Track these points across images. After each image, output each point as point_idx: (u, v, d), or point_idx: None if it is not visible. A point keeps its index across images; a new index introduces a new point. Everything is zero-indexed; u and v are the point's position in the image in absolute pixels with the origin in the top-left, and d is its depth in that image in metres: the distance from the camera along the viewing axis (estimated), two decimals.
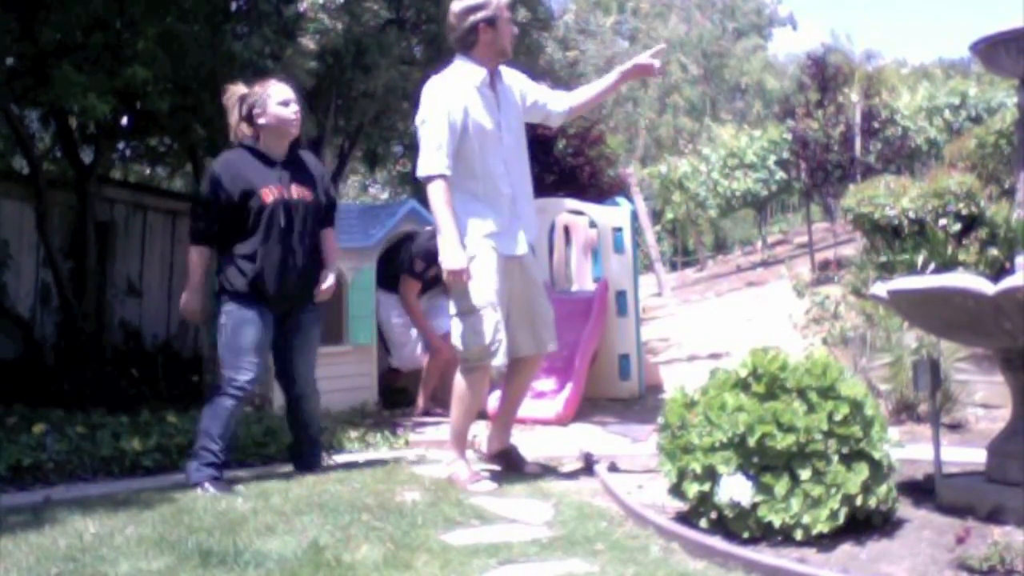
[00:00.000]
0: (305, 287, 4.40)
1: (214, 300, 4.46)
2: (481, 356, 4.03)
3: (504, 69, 4.31)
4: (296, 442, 4.61)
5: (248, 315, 4.24)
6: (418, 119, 4.13)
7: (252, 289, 4.24)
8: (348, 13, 6.72)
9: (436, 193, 4.00)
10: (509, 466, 4.34)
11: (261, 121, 4.36)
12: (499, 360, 4.03)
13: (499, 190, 4.13)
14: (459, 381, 4.15)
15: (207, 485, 3.98)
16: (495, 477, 4.18)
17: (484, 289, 4.02)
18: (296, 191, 4.34)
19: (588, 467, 4.34)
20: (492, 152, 4.12)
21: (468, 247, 4.04)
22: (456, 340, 4.10)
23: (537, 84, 4.47)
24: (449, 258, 3.97)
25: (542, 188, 7.60)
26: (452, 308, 4.12)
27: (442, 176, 4.01)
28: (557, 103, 4.40)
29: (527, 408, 6.35)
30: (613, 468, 4.25)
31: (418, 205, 7.46)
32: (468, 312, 4.03)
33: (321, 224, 4.46)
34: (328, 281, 4.44)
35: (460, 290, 4.03)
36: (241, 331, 4.22)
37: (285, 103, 4.37)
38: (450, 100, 4.07)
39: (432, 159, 4.02)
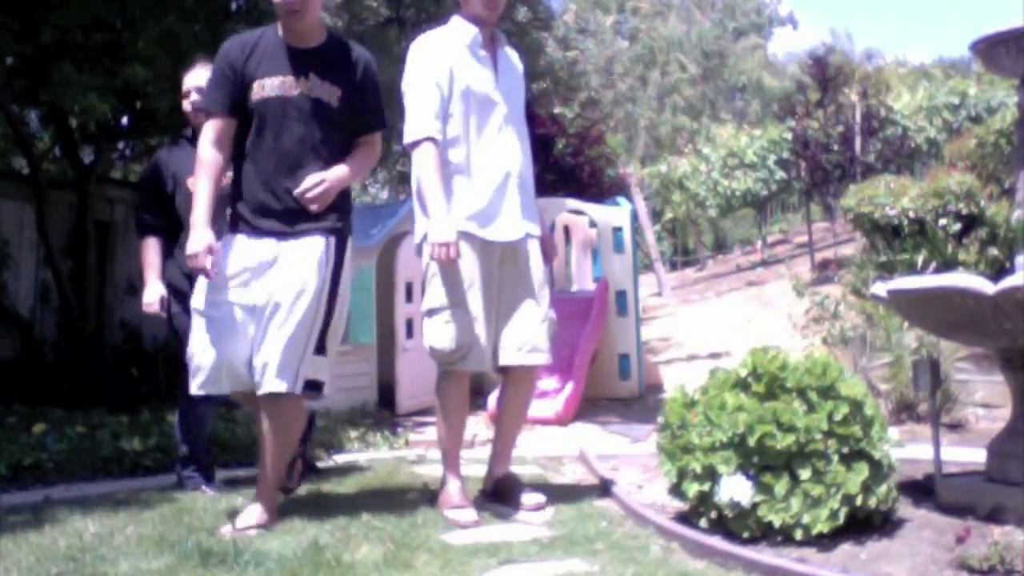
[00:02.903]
0: None
1: None
2: (449, 361, 3.47)
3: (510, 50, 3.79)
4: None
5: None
6: (403, 83, 3.61)
7: None
8: (348, 11, 6.73)
9: (422, 158, 3.44)
10: (502, 501, 3.59)
11: None
12: (470, 366, 3.45)
13: (492, 162, 3.53)
14: (437, 389, 3.65)
15: (187, 484, 4.02)
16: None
17: (452, 283, 3.44)
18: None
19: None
20: (485, 117, 3.54)
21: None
22: (424, 341, 3.59)
23: None
24: (436, 230, 3.35)
25: (542, 188, 7.59)
26: (423, 304, 3.59)
27: (429, 139, 3.45)
28: None
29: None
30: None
31: None
32: (433, 310, 3.47)
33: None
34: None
35: (434, 280, 3.47)
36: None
37: (186, 94, 4.19)
38: (434, 58, 3.57)
39: (417, 122, 3.48)
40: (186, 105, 4.15)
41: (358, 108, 3.47)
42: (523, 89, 3.76)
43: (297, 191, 3.32)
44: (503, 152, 3.55)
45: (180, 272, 3.98)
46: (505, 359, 3.51)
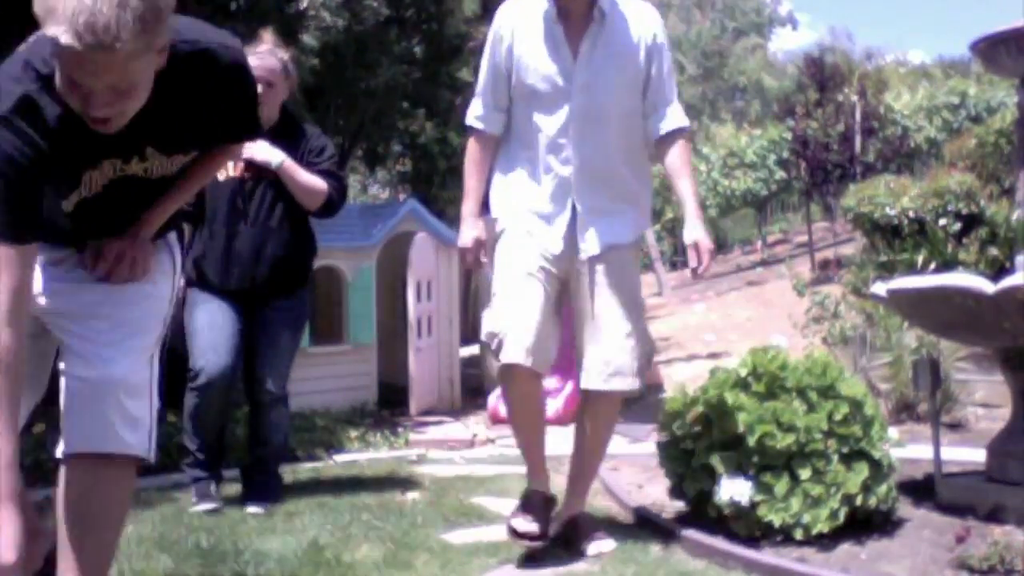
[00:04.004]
0: (264, 280, 3.75)
1: None
2: (495, 350, 2.96)
3: (638, 10, 3.05)
4: (249, 463, 3.89)
5: (196, 296, 3.79)
6: None
7: (198, 274, 3.79)
8: (349, 11, 6.73)
9: (467, 150, 3.14)
10: (566, 545, 3.08)
11: None
12: (509, 355, 2.90)
13: (547, 167, 3.01)
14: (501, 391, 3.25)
15: (193, 490, 3.73)
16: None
17: (504, 271, 3.04)
18: (263, 170, 3.71)
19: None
20: (544, 111, 2.98)
21: (500, 219, 3.10)
22: None
23: (671, 84, 3.14)
24: (461, 232, 3.05)
25: None
26: None
27: (476, 131, 3.09)
28: (660, 125, 3.09)
29: None
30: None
31: (418, 205, 7.46)
32: (491, 297, 3.09)
33: (297, 206, 3.78)
34: (263, 152, 3.65)
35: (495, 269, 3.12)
36: (191, 312, 3.77)
37: None
38: (497, 32, 3.05)
39: (470, 110, 3.13)
40: None
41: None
42: (627, 77, 3.01)
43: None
44: (573, 154, 2.98)
45: (192, 257, 3.78)
46: (585, 381, 3.06)
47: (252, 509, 3.61)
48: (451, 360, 7.15)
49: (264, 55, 3.70)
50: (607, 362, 3.00)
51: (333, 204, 3.81)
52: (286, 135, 3.76)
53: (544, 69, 2.96)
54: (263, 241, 3.74)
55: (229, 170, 3.68)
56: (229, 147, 2.25)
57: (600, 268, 3.03)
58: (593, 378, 3.02)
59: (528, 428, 3.11)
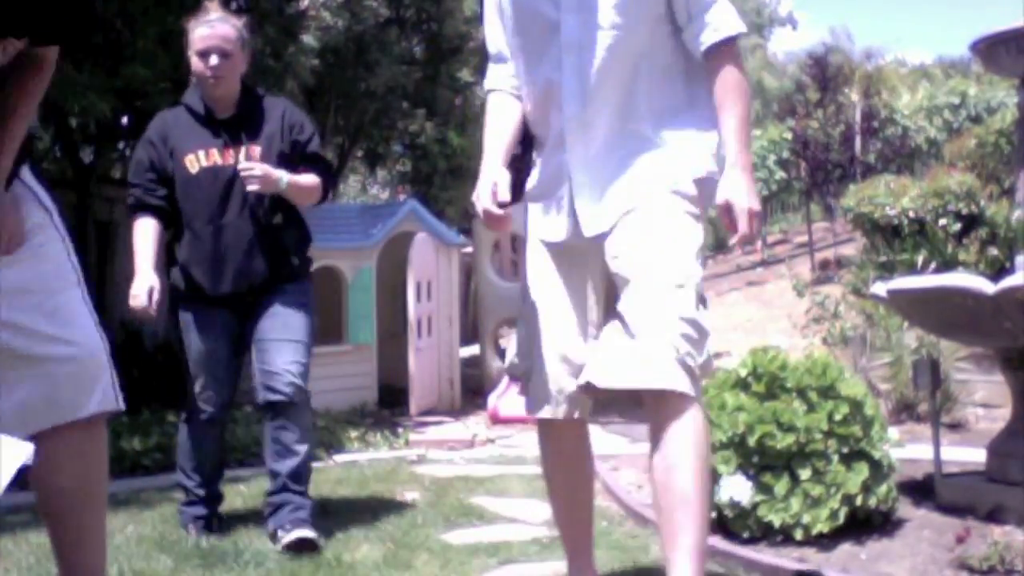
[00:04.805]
0: (263, 279, 3.25)
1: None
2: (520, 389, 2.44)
3: None
4: (274, 490, 3.18)
5: (188, 317, 3.32)
6: None
7: (188, 284, 3.30)
8: (349, 11, 6.73)
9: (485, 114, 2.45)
10: None
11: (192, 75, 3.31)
12: (529, 409, 2.35)
13: (544, 118, 2.30)
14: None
15: (190, 528, 3.27)
16: None
17: (525, 280, 2.38)
18: (238, 153, 3.23)
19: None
20: (536, 51, 2.26)
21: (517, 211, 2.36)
22: None
23: None
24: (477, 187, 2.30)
25: None
26: None
27: (491, 90, 2.42)
28: (700, 38, 2.20)
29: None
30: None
31: (418, 205, 7.46)
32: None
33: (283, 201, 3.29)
34: (262, 169, 3.14)
35: None
36: (186, 340, 3.33)
37: (203, 53, 3.20)
38: None
39: (488, 68, 2.47)
40: (199, 66, 3.22)
41: None
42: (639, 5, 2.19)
43: None
44: (574, 101, 2.21)
45: (176, 267, 3.33)
46: (586, 374, 2.18)
47: (292, 538, 2.99)
48: (451, 360, 7.16)
49: (215, 23, 3.22)
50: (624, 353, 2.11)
51: (326, 194, 3.43)
52: (251, 113, 3.29)
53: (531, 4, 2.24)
54: (254, 233, 3.22)
55: (202, 160, 3.22)
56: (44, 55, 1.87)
57: (582, 257, 2.27)
58: (592, 371, 2.17)
59: (564, 493, 2.42)
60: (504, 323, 8.09)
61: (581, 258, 2.27)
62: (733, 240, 2.16)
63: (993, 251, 7.26)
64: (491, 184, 2.18)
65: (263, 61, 6.12)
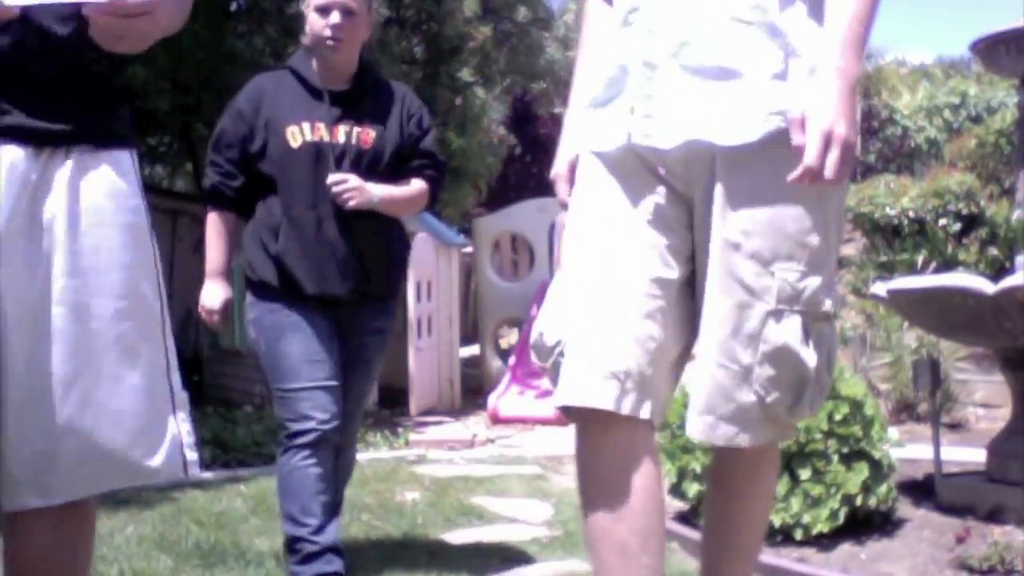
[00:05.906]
0: (367, 287, 2.75)
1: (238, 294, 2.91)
2: (551, 373, 1.65)
3: None
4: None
5: (286, 319, 2.68)
6: None
7: (283, 281, 2.69)
8: None
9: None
10: None
11: (304, 35, 2.78)
12: (564, 397, 1.57)
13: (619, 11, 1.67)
14: None
15: None
16: None
17: (566, 235, 1.73)
18: (350, 134, 2.70)
19: None
20: None
21: (569, 138, 1.80)
22: None
23: None
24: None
25: (543, 187, 7.59)
26: None
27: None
28: None
29: (528, 407, 6.36)
30: None
31: None
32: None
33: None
34: (355, 184, 2.62)
35: None
36: (279, 345, 2.68)
37: (323, 9, 2.67)
38: None
39: None
40: (317, 24, 2.68)
41: None
42: None
43: None
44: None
45: (266, 258, 2.71)
46: (689, 428, 1.69)
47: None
48: (451, 360, 7.16)
49: None
50: (710, 397, 1.70)
51: (433, 200, 2.94)
52: (369, 92, 2.79)
53: None
54: (358, 230, 2.70)
55: (306, 133, 2.68)
56: None
57: (681, 180, 1.63)
58: (693, 422, 1.68)
59: (612, 539, 1.57)
60: (504, 323, 8.10)
61: (634, 182, 1.63)
62: (793, 174, 1.46)
63: (993, 251, 7.27)
64: (556, 176, 1.79)
65: (263, 61, 6.13)
